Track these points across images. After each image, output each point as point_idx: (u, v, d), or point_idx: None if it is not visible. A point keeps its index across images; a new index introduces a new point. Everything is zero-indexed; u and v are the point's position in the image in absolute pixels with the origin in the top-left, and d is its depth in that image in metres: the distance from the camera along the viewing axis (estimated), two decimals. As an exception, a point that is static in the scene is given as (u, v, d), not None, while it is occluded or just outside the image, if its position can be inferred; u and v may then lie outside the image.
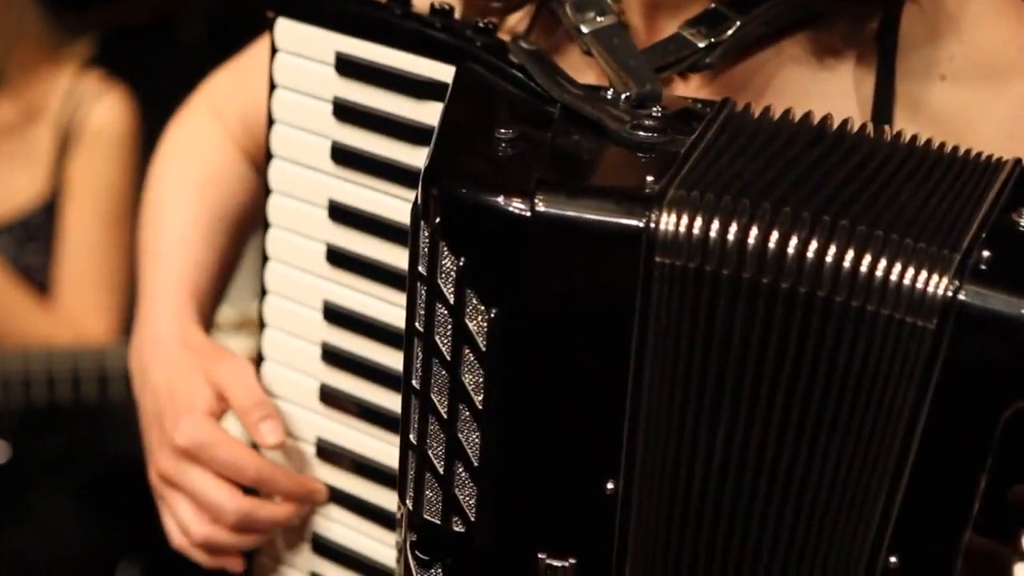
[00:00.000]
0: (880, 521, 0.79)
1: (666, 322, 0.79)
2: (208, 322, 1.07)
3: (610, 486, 0.83)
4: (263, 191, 1.01)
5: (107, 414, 2.03)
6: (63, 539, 2.03)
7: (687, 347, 0.80)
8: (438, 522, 0.86)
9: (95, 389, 1.98)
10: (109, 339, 2.00)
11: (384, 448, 0.98)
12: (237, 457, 0.98)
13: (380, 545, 1.00)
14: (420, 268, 0.82)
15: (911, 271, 0.76)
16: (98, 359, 1.95)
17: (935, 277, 0.76)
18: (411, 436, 0.86)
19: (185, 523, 1.00)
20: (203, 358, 1.01)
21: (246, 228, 1.12)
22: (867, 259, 0.76)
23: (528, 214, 0.78)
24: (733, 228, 0.78)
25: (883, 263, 0.76)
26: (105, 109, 2.11)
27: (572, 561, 0.84)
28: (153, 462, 1.02)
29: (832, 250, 0.77)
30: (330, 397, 1.02)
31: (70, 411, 2.01)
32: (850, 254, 0.77)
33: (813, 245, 0.77)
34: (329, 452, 1.02)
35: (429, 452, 0.85)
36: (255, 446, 1.00)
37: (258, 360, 1.03)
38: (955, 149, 0.83)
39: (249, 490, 1.01)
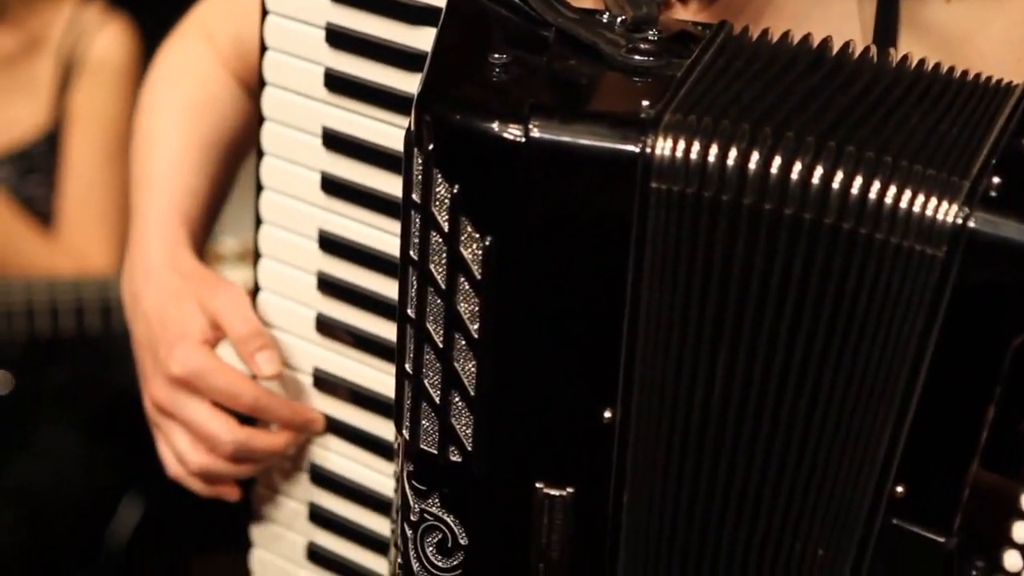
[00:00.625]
0: (887, 452, 0.79)
1: (663, 250, 0.78)
2: (200, 249, 1.06)
3: (607, 415, 0.82)
4: (257, 117, 0.99)
5: (110, 345, 2.02)
6: (66, 471, 2.04)
7: (685, 275, 0.78)
8: (435, 452, 0.86)
9: (98, 320, 1.98)
10: (112, 270, 1.99)
11: (380, 378, 0.97)
12: (233, 385, 0.97)
13: (377, 475, 1.00)
14: (414, 196, 0.81)
15: (920, 198, 0.75)
16: (101, 290, 1.94)
17: (944, 204, 0.75)
18: (407, 366, 0.85)
19: (181, 452, 1.00)
20: (197, 285, 1.00)
21: (239, 154, 1.10)
22: (875, 186, 0.74)
23: (522, 140, 0.77)
24: (732, 153, 0.76)
25: (892, 190, 0.74)
26: (107, 40, 2.08)
27: (570, 490, 0.84)
28: (147, 391, 1.02)
29: (839, 176, 0.75)
30: (326, 327, 1.01)
31: (73, 342, 2.01)
32: (858, 180, 0.75)
33: (819, 171, 0.75)
34: (326, 382, 1.02)
35: (425, 382, 0.85)
36: (252, 376, 0.99)
37: (254, 290, 1.02)
38: (964, 73, 0.81)
39: (246, 419, 1.00)
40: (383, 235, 0.96)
